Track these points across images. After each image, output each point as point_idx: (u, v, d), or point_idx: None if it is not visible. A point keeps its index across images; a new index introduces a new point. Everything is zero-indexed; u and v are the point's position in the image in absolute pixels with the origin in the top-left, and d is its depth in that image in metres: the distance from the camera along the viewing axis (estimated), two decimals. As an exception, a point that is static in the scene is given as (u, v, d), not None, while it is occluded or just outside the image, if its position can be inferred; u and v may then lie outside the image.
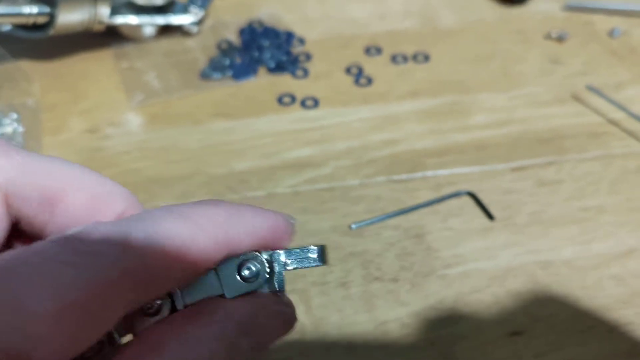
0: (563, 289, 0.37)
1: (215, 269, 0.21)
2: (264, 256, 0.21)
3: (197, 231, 0.19)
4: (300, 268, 0.22)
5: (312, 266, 0.22)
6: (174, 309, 0.21)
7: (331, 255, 0.38)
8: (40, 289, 0.16)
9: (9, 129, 0.45)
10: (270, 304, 0.21)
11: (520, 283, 0.37)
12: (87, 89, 0.49)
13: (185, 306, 0.21)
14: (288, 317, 0.22)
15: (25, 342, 0.15)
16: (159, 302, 0.21)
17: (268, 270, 0.21)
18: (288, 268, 0.22)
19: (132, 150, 0.45)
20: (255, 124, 0.46)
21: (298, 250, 0.22)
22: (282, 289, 0.22)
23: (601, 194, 0.42)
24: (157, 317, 0.21)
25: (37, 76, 0.48)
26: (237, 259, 0.21)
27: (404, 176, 0.43)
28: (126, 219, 0.19)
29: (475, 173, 0.43)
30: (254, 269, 0.21)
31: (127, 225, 0.18)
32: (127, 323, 0.21)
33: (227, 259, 0.21)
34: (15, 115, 0.45)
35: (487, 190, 0.42)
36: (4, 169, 0.20)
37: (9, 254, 0.17)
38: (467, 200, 0.41)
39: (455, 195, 0.41)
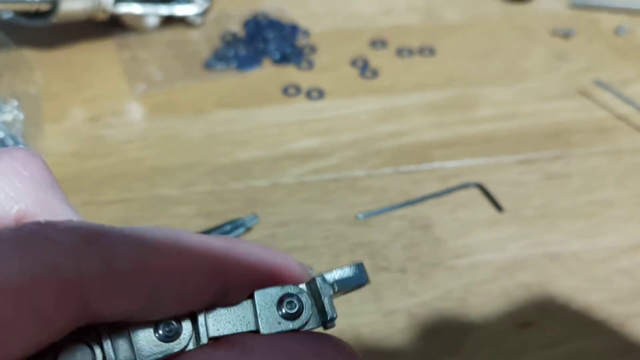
0: (572, 281, 0.36)
1: (252, 301, 0.19)
2: (304, 287, 0.19)
3: (190, 263, 0.17)
4: (347, 292, 0.19)
5: (357, 287, 0.19)
6: (197, 338, 0.18)
7: (337, 245, 0.38)
8: None
9: (9, 116, 0.44)
10: (320, 347, 0.18)
11: (529, 275, 0.37)
12: (89, 79, 0.48)
13: (211, 339, 0.18)
14: None
15: None
16: (175, 324, 0.18)
17: (312, 301, 0.19)
18: (335, 292, 0.19)
19: (134, 140, 0.44)
20: (259, 114, 0.46)
21: (339, 271, 0.19)
22: (333, 318, 0.19)
23: (609, 188, 0.42)
24: (173, 344, 0.18)
25: (40, 65, 0.48)
26: (277, 290, 0.19)
27: (410, 167, 0.42)
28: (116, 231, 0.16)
29: (481, 165, 0.43)
30: (295, 302, 0.18)
31: (100, 225, 0.16)
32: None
33: (266, 290, 0.19)
34: (15, 102, 0.45)
35: (494, 182, 0.41)
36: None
37: None
38: (475, 191, 0.41)
39: (464, 186, 0.41)
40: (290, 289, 0.19)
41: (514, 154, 0.44)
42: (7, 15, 0.48)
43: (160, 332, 0.18)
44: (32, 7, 0.45)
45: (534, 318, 0.35)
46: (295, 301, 0.18)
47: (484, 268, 0.37)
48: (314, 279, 0.19)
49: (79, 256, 0.15)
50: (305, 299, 0.19)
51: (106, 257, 0.15)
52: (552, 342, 0.34)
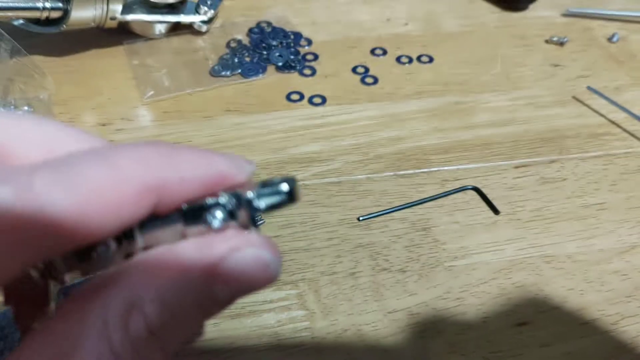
0: (567, 282, 0.38)
1: (180, 212, 0.19)
2: (229, 197, 0.19)
3: (121, 178, 0.17)
4: (273, 209, 0.19)
5: (284, 206, 0.19)
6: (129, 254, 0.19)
7: (339, 246, 0.39)
8: None
9: (21, 122, 0.45)
10: (243, 246, 0.19)
11: (525, 276, 0.38)
12: (99, 84, 0.50)
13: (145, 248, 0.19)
14: (266, 261, 0.19)
15: None
16: (102, 247, 0.18)
17: (235, 212, 0.19)
18: (260, 207, 0.19)
19: (143, 144, 0.45)
20: (264, 120, 0.47)
21: (265, 190, 0.19)
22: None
23: (602, 192, 0.43)
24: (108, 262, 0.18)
25: (50, 71, 0.49)
26: (202, 201, 0.19)
27: (410, 171, 0.44)
28: (43, 162, 0.17)
29: (479, 169, 0.44)
30: (220, 213, 0.19)
31: (33, 168, 0.16)
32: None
33: (192, 201, 0.19)
34: (27, 108, 0.46)
35: (491, 186, 0.43)
36: None
37: None
38: (472, 195, 0.42)
39: (461, 189, 0.42)
40: (219, 199, 0.19)
41: (510, 159, 0.45)
42: (17, 22, 0.49)
43: (95, 253, 0.18)
44: (43, 15, 0.47)
45: (530, 317, 0.36)
46: (219, 211, 0.19)
47: (481, 269, 0.38)
48: (241, 192, 0.19)
49: (14, 212, 0.15)
50: (228, 207, 0.19)
51: (41, 207, 0.16)
52: (549, 340, 0.35)
